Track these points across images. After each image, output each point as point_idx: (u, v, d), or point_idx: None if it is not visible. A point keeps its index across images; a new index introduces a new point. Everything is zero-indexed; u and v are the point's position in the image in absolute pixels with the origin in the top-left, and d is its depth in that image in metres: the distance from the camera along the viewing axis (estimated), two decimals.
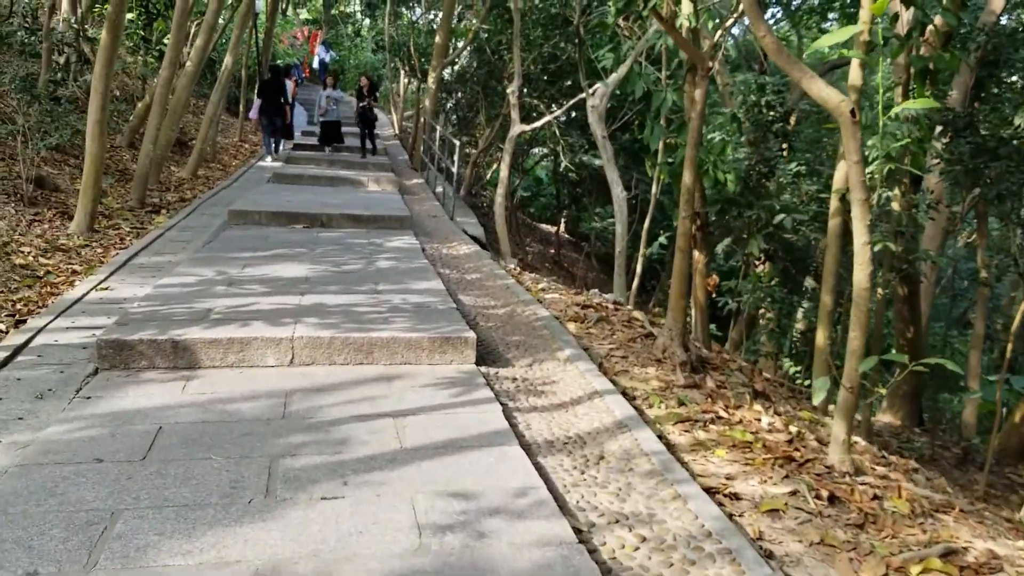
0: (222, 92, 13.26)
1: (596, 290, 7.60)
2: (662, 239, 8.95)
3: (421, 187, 15.40)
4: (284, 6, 37.20)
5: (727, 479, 4.11)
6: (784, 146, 8.18)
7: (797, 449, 4.86)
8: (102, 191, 9.96)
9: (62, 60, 13.77)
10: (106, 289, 6.11)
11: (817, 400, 4.40)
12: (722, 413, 5.27)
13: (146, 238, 8.13)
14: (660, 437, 4.44)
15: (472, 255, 8.74)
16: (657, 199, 10.23)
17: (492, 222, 20.24)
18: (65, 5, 14.29)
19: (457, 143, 12.67)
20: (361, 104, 16.20)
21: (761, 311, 8.37)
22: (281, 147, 16.42)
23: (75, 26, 13.67)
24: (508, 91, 13.88)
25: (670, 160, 7.39)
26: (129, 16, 12.78)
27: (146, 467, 3.45)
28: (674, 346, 5.92)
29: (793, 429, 5.39)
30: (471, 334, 5.05)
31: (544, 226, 29.89)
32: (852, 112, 4.03)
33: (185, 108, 11.72)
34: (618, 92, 12.64)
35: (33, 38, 13.23)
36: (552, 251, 25.39)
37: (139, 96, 14.06)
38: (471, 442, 3.84)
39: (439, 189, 15.44)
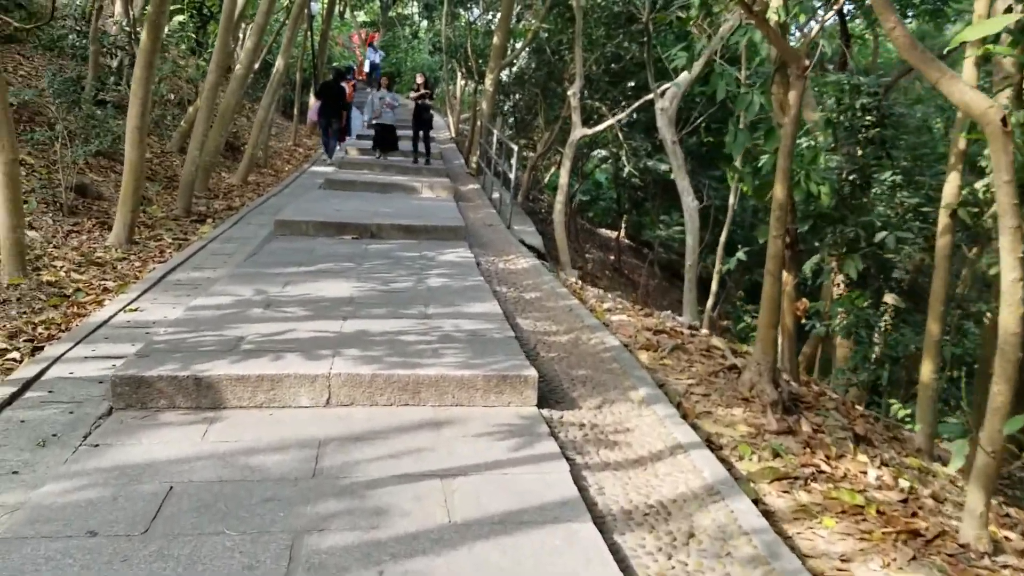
0: (273, 96, 12.88)
1: (669, 312, 6.91)
2: (740, 254, 8.18)
3: (477, 193, 14.83)
4: (341, 9, 37.16)
5: (843, 561, 3.40)
6: (880, 154, 7.37)
7: (916, 515, 4.12)
8: (145, 199, 9.60)
9: (114, 63, 13.57)
10: (135, 310, 5.63)
11: (954, 467, 3.67)
12: (824, 466, 4.54)
13: (187, 251, 7.68)
14: (757, 502, 3.74)
15: (531, 270, 8.10)
16: (734, 210, 9.45)
17: (550, 228, 19.59)
18: (118, 7, 14.08)
19: (515, 148, 12.05)
20: (416, 102, 14.90)
21: (852, 336, 7.59)
22: (337, 149, 16.18)
23: (126, 28, 13.43)
24: (569, 93, 13.22)
25: (755, 169, 6.65)
26: (180, 19, 12.49)
27: (146, 544, 2.88)
28: (763, 382, 5.19)
29: (904, 484, 4.64)
30: (532, 372, 4.41)
31: (603, 231, 29.13)
32: (1003, 120, 3.28)
33: (235, 112, 11.35)
34: (686, 94, 11.89)
35: (84, 40, 13.01)
36: (612, 257, 24.64)
37: (191, 100, 13.77)
38: (533, 515, 3.20)
39: (495, 195, 14.86)
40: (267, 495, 3.26)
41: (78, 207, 8.59)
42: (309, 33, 21.12)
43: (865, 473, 4.71)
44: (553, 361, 5.21)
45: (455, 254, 8.25)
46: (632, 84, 16.72)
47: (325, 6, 21.89)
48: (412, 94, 14.92)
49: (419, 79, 14.91)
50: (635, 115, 16.16)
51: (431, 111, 15.20)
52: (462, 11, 25.72)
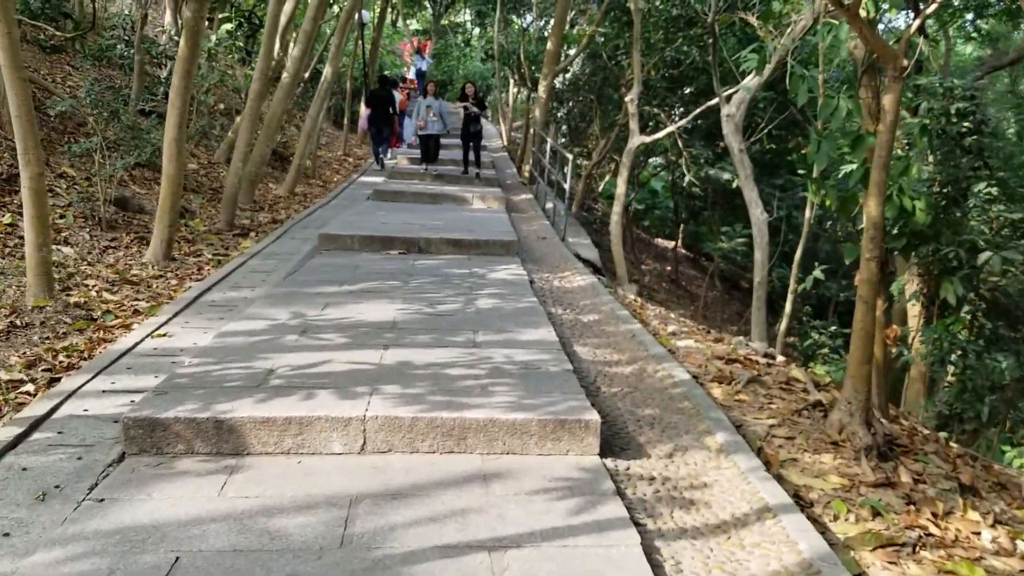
0: (321, 104, 12.57)
1: (741, 339, 6.31)
2: (818, 272, 7.48)
3: (529, 203, 14.34)
4: (394, 17, 37.12)
5: None
6: (977, 163, 6.67)
7: None
8: (187, 212, 9.32)
9: (163, 73, 13.42)
10: (164, 336, 5.24)
11: None
12: (932, 528, 3.92)
13: (226, 267, 7.32)
14: None
15: (588, 288, 7.56)
16: (810, 224, 8.75)
17: (606, 239, 19.00)
18: (167, 16, 13.94)
19: (570, 157, 11.52)
20: (465, 112, 14.27)
21: (947, 367, 6.88)
22: (388, 156, 16.11)
23: (175, 37, 13.27)
24: (627, 100, 12.66)
25: (837, 181, 6.02)
26: (228, 27, 12.26)
27: None
28: (854, 424, 4.56)
29: (1023, 547, 4.01)
30: (594, 416, 3.86)
31: (659, 241, 28.41)
32: None
33: (281, 122, 11.05)
34: (750, 99, 11.21)
35: (132, 50, 12.87)
36: (669, 268, 23.93)
37: (239, 110, 13.54)
38: None
39: (549, 205, 14.35)
40: (286, 570, 2.79)
41: (117, 221, 8.31)
42: (360, 41, 20.91)
43: (978, 534, 4.07)
44: (616, 398, 4.66)
45: (507, 271, 7.75)
46: (691, 89, 16.08)
47: (376, 14, 21.65)
48: (460, 105, 14.47)
49: (468, 89, 14.40)
50: (695, 121, 15.52)
51: (481, 122, 14.65)
52: (515, 17, 25.35)
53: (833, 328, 14.79)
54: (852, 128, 6.05)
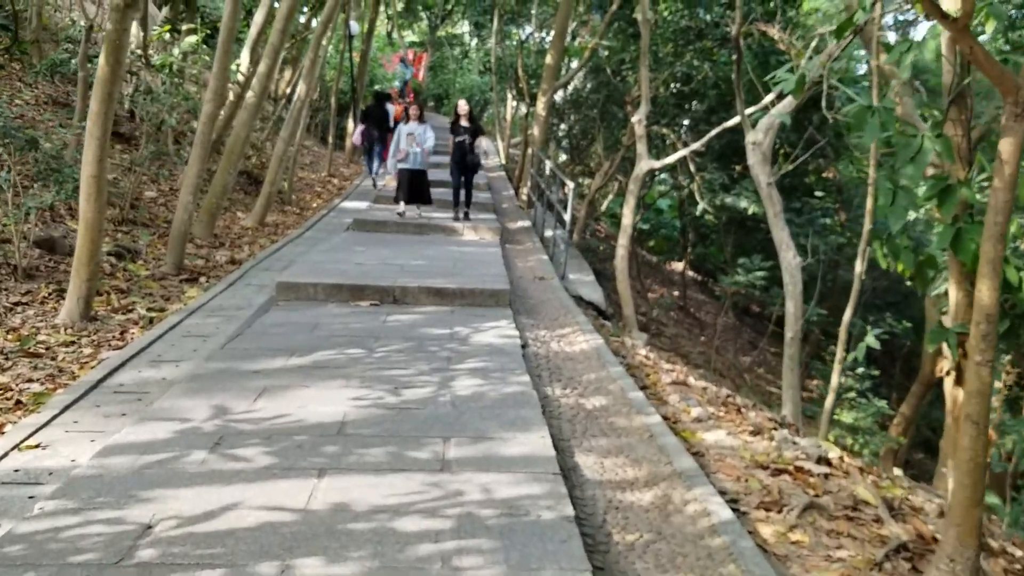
0: (294, 127, 11.33)
1: (785, 432, 5.06)
2: (871, 339, 6.19)
3: (526, 232, 13.10)
4: (390, 29, 36.05)
5: None
6: None
7: None
8: (127, 254, 8.08)
9: (129, 90, 12.22)
10: (36, 447, 3.98)
11: None
12: None
13: (155, 330, 6.06)
14: None
15: (592, 354, 6.29)
16: (861, 280, 7.44)
17: (608, 266, 17.75)
18: (134, 29, 12.75)
19: (570, 185, 10.31)
20: (458, 139, 11.63)
21: None
22: (377, 177, 15.30)
23: (137, 51, 12.09)
24: (634, 120, 11.45)
25: (896, 240, 4.75)
26: (192, 40, 11.06)
27: None
28: None
29: None
30: None
31: (657, 258, 27.17)
32: None
33: (245, 146, 9.83)
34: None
35: (89, 65, 11.67)
36: (676, 293, 22.69)
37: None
38: None
39: (548, 232, 13.12)
40: None
41: (39, 268, 7.07)
42: (348, 54, 19.74)
43: None
44: (633, 554, 3.39)
45: (496, 331, 6.49)
46: (702, 107, 14.86)
47: (365, 26, 20.47)
48: (453, 139, 11.69)
49: (461, 107, 11.79)
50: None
51: (480, 149, 12.08)
52: (514, 28, 24.26)
53: (861, 369, 13.54)
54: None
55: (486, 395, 4.85)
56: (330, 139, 17.39)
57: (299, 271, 7.92)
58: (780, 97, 8.62)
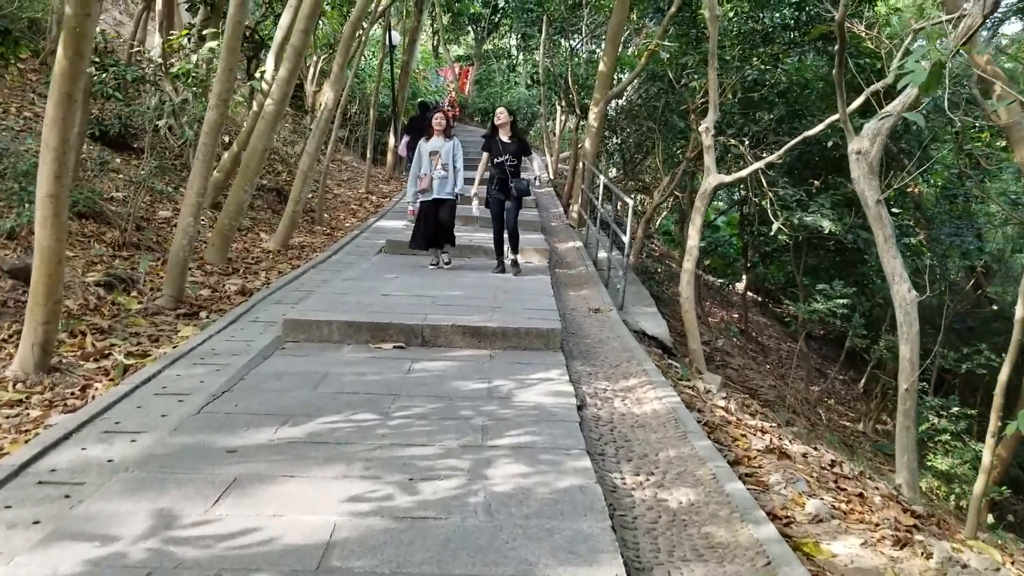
0: (320, 139, 10.21)
1: (946, 549, 3.69)
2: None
3: (578, 254, 11.82)
4: (435, 43, 35.23)
5: None
6: None
7: None
8: (118, 284, 6.98)
9: (151, 103, 11.26)
10: None
11: None
12: None
13: (124, 384, 4.90)
14: None
15: (667, 418, 4.95)
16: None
17: (667, 290, 16.36)
18: (157, 37, 11.85)
19: (629, 202, 9.01)
20: (498, 159, 8.61)
21: None
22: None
23: (157, 60, 11.14)
24: (700, 129, 10.10)
25: None
26: (213, 44, 10.03)
27: None
28: None
29: None
30: None
31: (721, 281, 25.61)
32: None
33: (263, 161, 8.72)
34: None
35: (105, 75, 10.73)
36: (736, 316, 21.14)
37: (232, 138, 11.30)
38: None
39: (601, 254, 11.83)
40: None
41: (6, 304, 5.99)
42: (389, 65, 18.75)
43: None
44: None
45: (546, 386, 5.20)
46: (771, 116, 13.43)
47: (407, 36, 19.48)
48: (491, 159, 8.78)
49: (500, 115, 8.69)
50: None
51: (526, 173, 9.20)
52: (563, 40, 23.15)
53: (956, 408, 11.93)
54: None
55: (533, 492, 3.55)
56: (368, 153, 16.31)
57: (314, 305, 6.72)
58: (886, 97, 7.21)
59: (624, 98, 17.02)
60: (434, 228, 8.83)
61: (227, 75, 6.86)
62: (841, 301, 11.13)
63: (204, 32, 10.78)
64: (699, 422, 5.31)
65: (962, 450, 11.93)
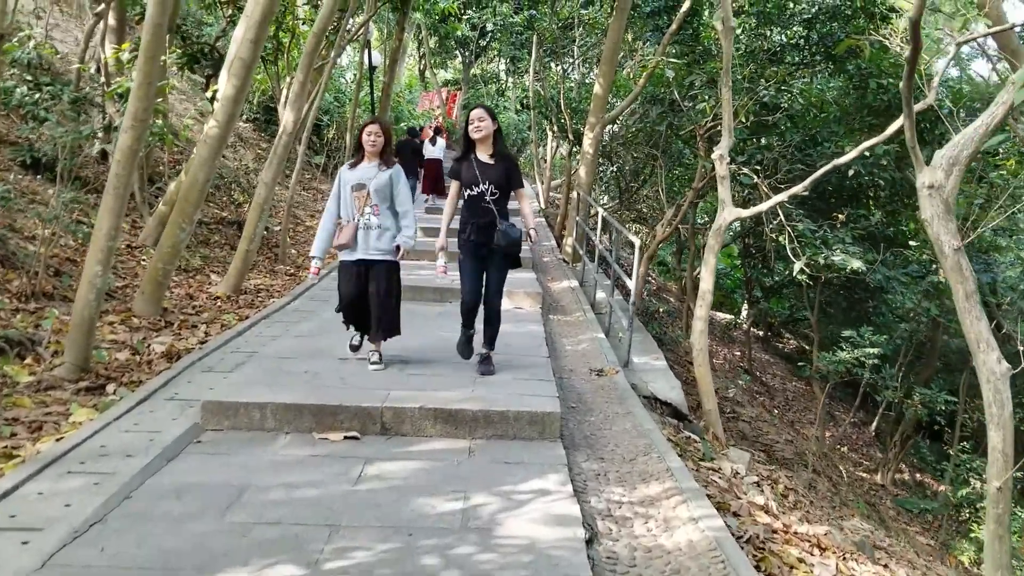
0: (279, 167, 8.86)
1: None
2: None
3: (573, 296, 10.50)
4: (422, 68, 34.21)
5: None
6: None
7: None
8: (11, 348, 5.60)
9: (97, 124, 9.97)
10: None
11: None
12: None
13: None
14: None
15: (709, 560, 3.59)
16: None
17: (668, 332, 15.07)
18: (108, 50, 10.54)
19: (636, 242, 7.74)
20: (476, 189, 5.53)
21: None
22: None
23: (100, 78, 9.85)
24: (714, 156, 8.87)
25: None
26: (169, 60, 8.75)
27: None
28: None
29: None
30: None
31: (728, 318, 24.38)
32: None
33: (204, 191, 7.37)
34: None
35: (39, 95, 9.43)
36: (739, 353, 19.86)
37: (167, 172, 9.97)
38: None
39: (599, 294, 10.53)
40: None
41: None
42: (369, 87, 17.53)
43: None
44: None
45: (541, 504, 3.85)
46: (782, 143, 12.20)
47: (389, 56, 18.30)
48: (464, 191, 5.66)
49: (476, 120, 5.48)
50: (791, 183, 11.68)
51: (520, 223, 5.73)
52: (553, 65, 22.06)
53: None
54: None
55: None
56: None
57: (248, 377, 5.35)
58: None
59: (619, 124, 15.83)
60: (359, 304, 5.71)
61: (145, 90, 5.52)
62: (872, 351, 9.83)
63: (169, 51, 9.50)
64: (739, 537, 3.99)
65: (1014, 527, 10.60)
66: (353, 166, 5.73)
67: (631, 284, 7.74)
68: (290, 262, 10.84)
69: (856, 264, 9.03)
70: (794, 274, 9.31)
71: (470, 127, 5.57)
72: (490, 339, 5.89)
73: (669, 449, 4.95)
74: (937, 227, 5.04)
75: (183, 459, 4.27)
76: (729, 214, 8.69)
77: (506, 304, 9.10)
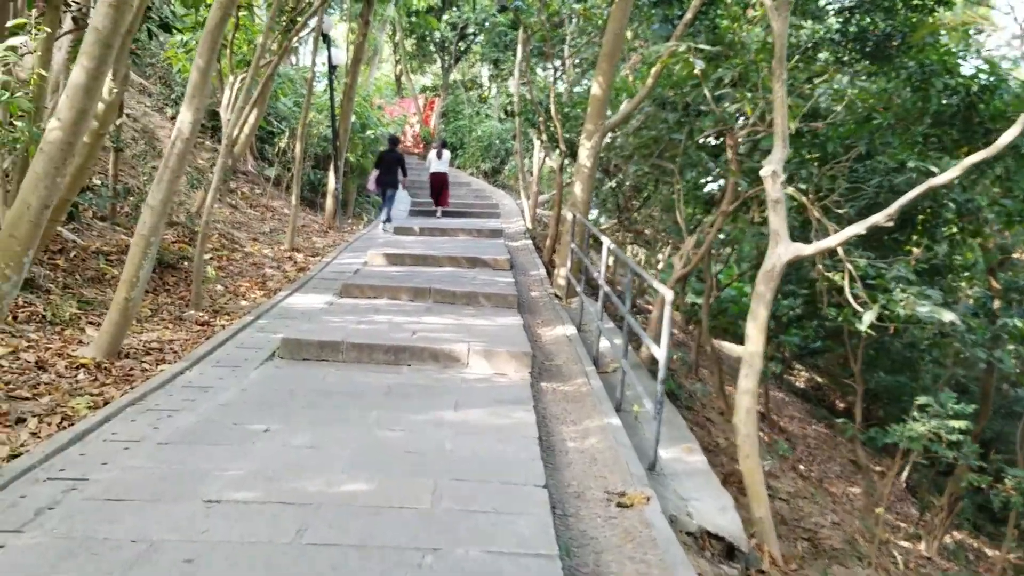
0: (171, 185, 6.41)
1: None
2: None
3: (570, 349, 8.15)
4: (398, 73, 31.98)
5: None
6: None
7: None
8: None
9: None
10: None
11: None
12: None
13: None
14: None
15: None
16: None
17: (683, 389, 12.77)
18: (59, 56, 8.20)
19: (669, 296, 5.40)
20: None
21: None
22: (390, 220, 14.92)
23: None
24: (764, 172, 6.58)
25: None
26: (9, 44, 6.36)
27: None
28: None
29: None
30: None
31: (727, 345, 22.15)
32: None
33: (40, 224, 4.96)
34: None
35: None
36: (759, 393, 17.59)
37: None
38: None
39: (603, 345, 8.13)
40: None
41: None
42: (329, 89, 15.19)
43: None
44: None
45: None
46: (846, 156, 9.88)
47: (351, 55, 16.05)
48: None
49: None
50: (847, 209, 9.42)
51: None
52: (540, 71, 19.84)
53: None
54: None
55: None
56: (294, 199, 12.56)
57: (37, 541, 2.97)
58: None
59: (618, 132, 13.55)
60: None
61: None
62: (958, 424, 7.56)
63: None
64: None
65: None
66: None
67: (658, 353, 5.42)
68: (207, 305, 8.40)
69: (950, 317, 6.76)
70: (862, 327, 7.03)
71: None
72: None
73: None
74: None
75: None
76: (786, 251, 6.40)
77: (486, 369, 6.78)
